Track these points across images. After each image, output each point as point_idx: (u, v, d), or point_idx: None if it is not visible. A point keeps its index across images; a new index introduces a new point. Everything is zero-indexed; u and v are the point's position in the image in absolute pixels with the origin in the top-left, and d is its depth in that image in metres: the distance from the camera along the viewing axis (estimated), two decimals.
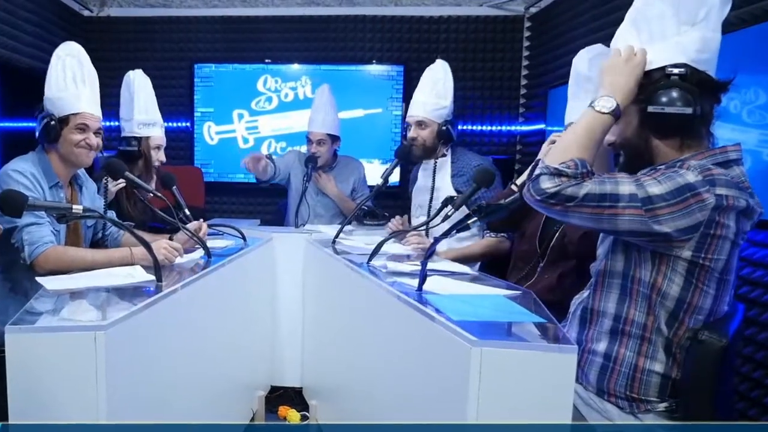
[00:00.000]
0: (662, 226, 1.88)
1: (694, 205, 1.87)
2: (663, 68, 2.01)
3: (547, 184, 1.94)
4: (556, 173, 1.95)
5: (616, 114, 2.03)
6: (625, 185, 1.92)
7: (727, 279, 2.00)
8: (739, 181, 1.96)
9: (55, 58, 3.01)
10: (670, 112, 1.97)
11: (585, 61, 2.92)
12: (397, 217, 3.96)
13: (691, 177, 1.90)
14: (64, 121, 2.97)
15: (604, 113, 2.02)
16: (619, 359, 2.08)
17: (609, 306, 2.13)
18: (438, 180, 3.88)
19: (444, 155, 3.92)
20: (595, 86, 2.77)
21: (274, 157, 4.82)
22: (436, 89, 3.89)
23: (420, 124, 3.89)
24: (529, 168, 3.03)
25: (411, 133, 3.92)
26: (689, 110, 1.95)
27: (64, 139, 2.97)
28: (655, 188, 1.90)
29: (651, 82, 2.03)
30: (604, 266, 2.16)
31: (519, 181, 3.13)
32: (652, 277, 2.01)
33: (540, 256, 3.06)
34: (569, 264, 2.92)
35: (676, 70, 1.98)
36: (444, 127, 3.85)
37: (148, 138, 3.79)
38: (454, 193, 3.58)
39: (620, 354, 2.08)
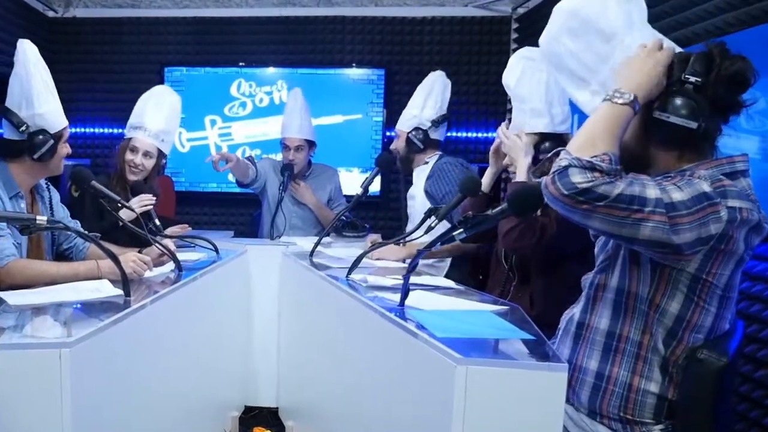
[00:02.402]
0: (679, 236, 1.80)
1: (710, 215, 1.82)
2: (680, 72, 1.94)
3: (579, 178, 1.80)
4: (590, 167, 1.81)
5: (635, 107, 1.92)
6: (651, 188, 1.82)
7: (729, 296, 1.98)
8: (748, 193, 1.93)
9: (31, 67, 2.88)
10: (674, 122, 1.90)
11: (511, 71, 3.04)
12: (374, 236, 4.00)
13: (706, 186, 1.85)
14: (58, 137, 2.95)
15: (621, 104, 1.91)
16: (612, 378, 2.06)
17: (602, 321, 2.10)
18: (413, 190, 4.04)
19: (426, 163, 4.01)
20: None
21: (255, 160, 4.83)
22: (414, 100, 4.08)
23: (397, 135, 4.13)
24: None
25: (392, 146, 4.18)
26: (694, 124, 1.89)
27: (57, 154, 2.97)
28: (677, 194, 1.83)
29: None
30: (599, 280, 2.14)
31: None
32: (650, 293, 1.98)
33: (511, 274, 3.05)
34: (540, 281, 2.90)
35: (692, 78, 1.91)
36: (411, 134, 3.99)
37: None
38: (428, 204, 3.61)
39: (613, 373, 2.06)
